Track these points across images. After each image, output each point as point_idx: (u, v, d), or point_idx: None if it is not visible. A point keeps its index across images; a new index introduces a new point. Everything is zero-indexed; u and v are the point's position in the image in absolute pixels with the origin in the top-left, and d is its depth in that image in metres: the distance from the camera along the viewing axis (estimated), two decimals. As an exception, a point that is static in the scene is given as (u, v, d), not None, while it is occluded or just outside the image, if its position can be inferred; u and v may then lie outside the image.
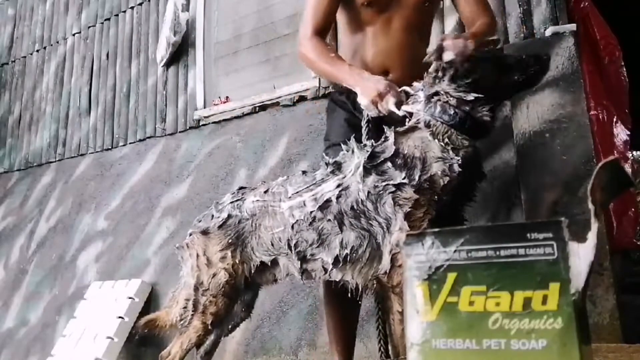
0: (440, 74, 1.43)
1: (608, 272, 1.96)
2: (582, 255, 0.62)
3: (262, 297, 2.66)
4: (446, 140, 1.40)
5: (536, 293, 0.62)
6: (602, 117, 2.36)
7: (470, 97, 1.40)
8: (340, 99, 1.87)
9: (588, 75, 2.28)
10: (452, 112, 1.41)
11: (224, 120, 3.36)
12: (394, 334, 1.44)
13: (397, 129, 1.47)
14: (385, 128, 1.49)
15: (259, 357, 2.76)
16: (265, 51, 3.40)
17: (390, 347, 1.66)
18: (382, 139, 1.47)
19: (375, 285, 1.46)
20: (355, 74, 1.61)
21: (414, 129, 1.45)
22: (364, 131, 1.69)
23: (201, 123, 3.46)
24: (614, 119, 2.44)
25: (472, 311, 0.65)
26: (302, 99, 3.00)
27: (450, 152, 1.39)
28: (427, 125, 1.43)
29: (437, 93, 1.44)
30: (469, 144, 1.42)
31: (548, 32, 2.28)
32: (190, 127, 3.51)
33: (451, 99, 1.42)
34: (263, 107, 3.20)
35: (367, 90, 1.57)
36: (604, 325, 1.92)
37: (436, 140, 1.41)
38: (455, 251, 0.68)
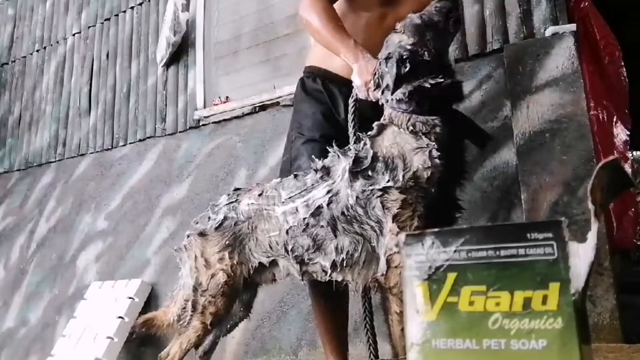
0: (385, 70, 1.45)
1: (608, 272, 1.96)
2: (582, 255, 0.62)
3: (262, 297, 2.66)
4: (411, 128, 1.40)
5: (536, 293, 0.62)
6: (602, 117, 2.36)
7: (407, 88, 1.41)
8: (315, 87, 1.84)
9: (588, 75, 2.28)
10: (405, 98, 1.41)
11: (224, 120, 3.36)
12: (393, 334, 1.44)
13: (370, 134, 1.47)
14: (361, 135, 1.50)
15: (259, 357, 2.76)
16: (265, 51, 3.40)
17: (389, 347, 1.66)
18: (362, 144, 1.48)
19: (375, 286, 1.47)
20: (358, 51, 1.58)
21: (384, 127, 1.46)
22: (350, 110, 1.67)
23: (201, 123, 3.46)
24: (614, 119, 2.44)
25: (472, 311, 0.65)
26: (302, 99, 3.01)
27: (424, 138, 1.39)
28: (392, 120, 1.44)
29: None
30: (437, 122, 1.40)
31: (548, 32, 2.28)
32: (190, 127, 3.51)
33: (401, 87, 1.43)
34: (263, 107, 3.20)
35: (363, 71, 1.55)
36: (604, 325, 1.92)
37: (404, 131, 1.41)
38: (455, 251, 0.68)
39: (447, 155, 1.39)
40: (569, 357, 0.59)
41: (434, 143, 1.38)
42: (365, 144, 1.46)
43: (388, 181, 1.38)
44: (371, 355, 1.75)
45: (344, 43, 1.60)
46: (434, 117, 1.40)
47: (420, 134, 1.39)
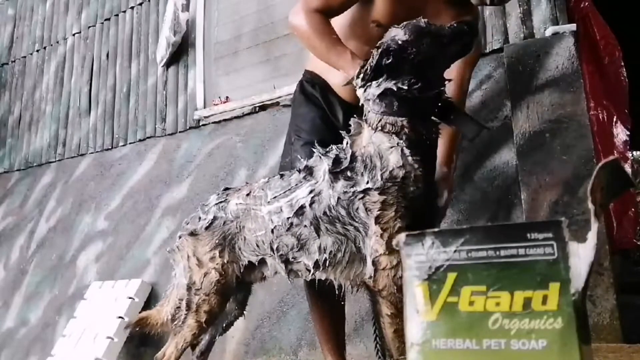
0: (371, 74, 1.42)
1: (608, 272, 1.96)
2: (582, 255, 0.62)
3: (262, 297, 2.67)
4: (380, 127, 1.40)
5: (536, 293, 0.62)
6: (602, 117, 2.36)
7: (391, 85, 1.39)
8: (314, 93, 1.84)
9: (588, 75, 2.28)
10: (377, 100, 1.41)
11: (224, 120, 3.36)
12: (386, 336, 1.45)
13: (350, 133, 1.48)
14: (343, 133, 1.50)
15: (259, 357, 2.76)
16: (265, 51, 3.40)
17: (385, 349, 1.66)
18: (344, 143, 1.48)
19: (361, 285, 1.47)
20: (357, 64, 1.53)
21: (360, 125, 1.47)
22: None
23: (201, 123, 3.46)
24: (614, 119, 2.44)
25: (472, 311, 0.65)
26: (302, 99, 3.00)
27: (394, 137, 1.39)
28: (366, 120, 1.45)
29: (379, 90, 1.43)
30: (405, 124, 1.39)
31: (548, 32, 2.28)
32: (190, 127, 3.51)
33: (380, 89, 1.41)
34: (263, 107, 3.20)
35: None
36: (604, 325, 1.92)
37: (374, 130, 1.41)
38: (455, 251, 0.68)
39: (423, 156, 1.39)
40: (569, 357, 0.59)
41: (403, 142, 1.38)
42: (347, 142, 1.47)
43: (367, 182, 1.38)
44: (378, 355, 1.76)
45: (341, 57, 1.58)
46: (402, 119, 1.39)
47: (391, 134, 1.39)
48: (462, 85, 1.84)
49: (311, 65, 1.91)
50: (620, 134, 2.47)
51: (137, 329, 1.86)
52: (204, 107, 3.49)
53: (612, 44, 2.47)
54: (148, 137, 3.72)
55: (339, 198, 1.41)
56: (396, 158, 1.37)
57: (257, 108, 3.22)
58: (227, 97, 3.43)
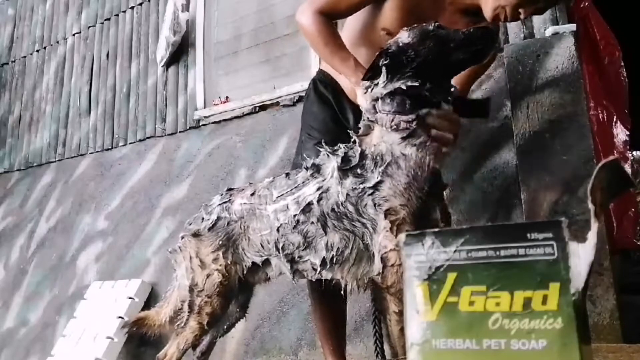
0: (377, 74, 1.43)
1: (608, 272, 1.96)
2: (582, 255, 0.62)
3: (262, 297, 2.67)
4: (394, 127, 1.40)
5: (536, 293, 0.63)
6: (602, 117, 2.37)
7: (402, 85, 1.39)
8: (326, 93, 1.86)
9: (588, 75, 2.28)
10: (388, 100, 1.41)
11: (224, 120, 3.36)
12: (392, 334, 1.44)
13: (359, 133, 1.49)
14: (351, 133, 1.51)
15: (259, 357, 2.76)
16: (265, 51, 3.40)
17: (388, 347, 1.66)
18: (352, 142, 1.48)
19: (368, 285, 1.47)
20: (360, 72, 1.55)
21: (370, 127, 1.47)
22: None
23: (201, 123, 3.46)
24: (614, 119, 2.45)
25: (472, 311, 0.65)
26: (302, 99, 3.00)
27: (408, 135, 1.39)
28: (377, 120, 1.45)
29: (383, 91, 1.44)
30: (420, 121, 1.40)
31: (548, 32, 2.28)
32: (190, 127, 3.51)
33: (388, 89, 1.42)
34: (263, 107, 3.20)
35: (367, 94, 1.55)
36: (604, 325, 1.92)
37: (387, 130, 1.41)
38: (455, 251, 0.68)
39: (435, 153, 1.40)
40: (569, 357, 0.59)
41: (416, 140, 1.39)
42: (354, 142, 1.47)
43: (377, 178, 1.38)
44: (377, 355, 1.75)
45: (344, 64, 1.60)
46: (414, 117, 1.40)
47: (404, 131, 1.40)
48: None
49: (324, 65, 1.93)
50: (620, 134, 2.48)
51: (135, 329, 1.86)
52: (204, 107, 3.49)
53: (612, 44, 2.47)
54: (148, 137, 3.72)
55: (347, 194, 1.41)
56: (409, 153, 1.38)
57: (257, 108, 3.22)
58: (227, 97, 3.43)
